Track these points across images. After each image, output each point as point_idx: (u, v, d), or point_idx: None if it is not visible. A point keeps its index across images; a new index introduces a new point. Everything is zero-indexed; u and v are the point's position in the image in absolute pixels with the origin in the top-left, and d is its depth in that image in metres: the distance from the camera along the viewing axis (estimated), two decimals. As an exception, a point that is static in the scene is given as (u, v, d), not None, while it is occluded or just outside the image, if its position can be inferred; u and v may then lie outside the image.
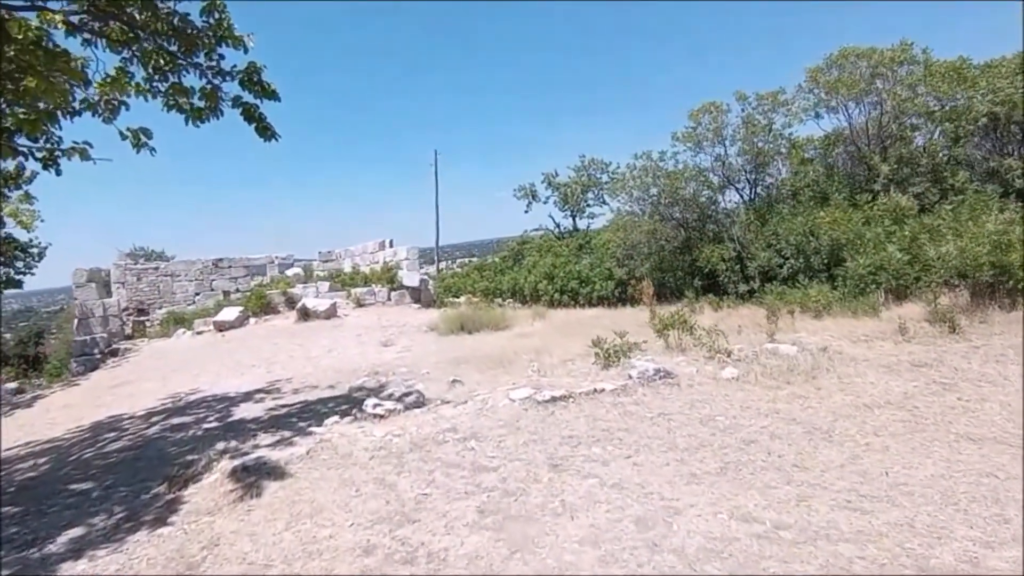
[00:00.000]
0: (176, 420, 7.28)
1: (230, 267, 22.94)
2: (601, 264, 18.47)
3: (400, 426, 4.70)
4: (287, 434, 4.74)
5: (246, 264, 23.28)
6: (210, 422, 6.88)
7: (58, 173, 5.96)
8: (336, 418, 5.10)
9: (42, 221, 13.28)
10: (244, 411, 7.19)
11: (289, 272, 21.41)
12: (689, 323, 6.92)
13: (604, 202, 22.96)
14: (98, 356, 15.19)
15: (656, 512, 3.03)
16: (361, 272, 21.97)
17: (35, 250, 15.39)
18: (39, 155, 5.81)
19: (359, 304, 18.49)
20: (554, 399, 4.98)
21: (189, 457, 5.05)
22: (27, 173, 14.72)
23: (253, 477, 3.74)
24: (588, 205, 23.26)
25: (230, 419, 6.84)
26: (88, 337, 15.52)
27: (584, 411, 4.80)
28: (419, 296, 19.34)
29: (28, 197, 13.89)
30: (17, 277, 15.19)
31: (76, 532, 3.56)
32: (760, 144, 13.32)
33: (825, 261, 11.32)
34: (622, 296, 18.14)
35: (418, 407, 5.31)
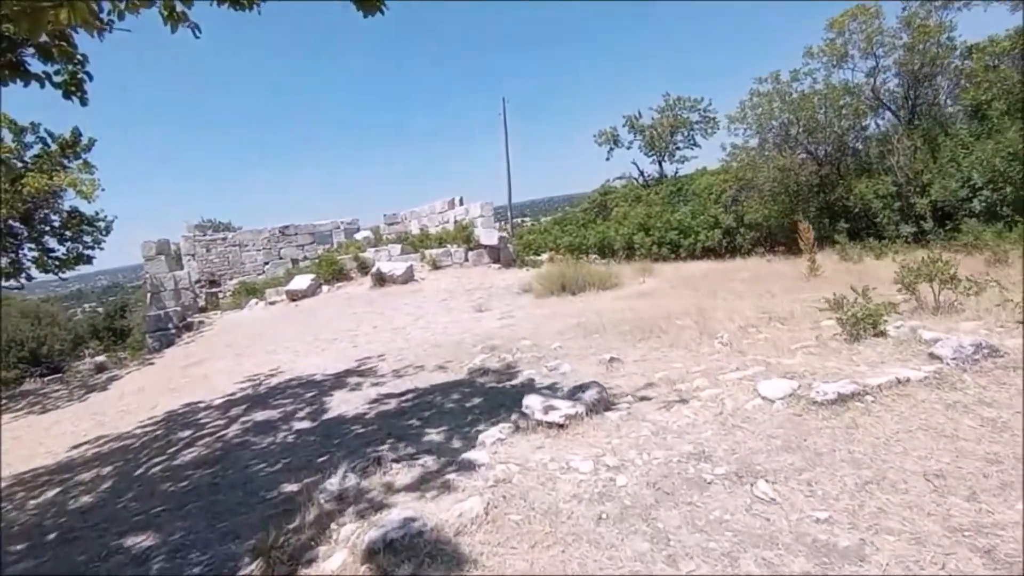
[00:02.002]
0: (259, 415, 5.87)
1: (296, 234, 21.98)
2: (704, 211, 16.18)
3: (606, 447, 2.96)
4: (429, 462, 3.08)
5: (311, 231, 22.27)
6: (300, 419, 5.41)
7: (84, 103, 4.44)
8: (491, 429, 3.40)
9: (103, 190, 12.22)
10: (340, 403, 5.68)
11: (358, 236, 20.15)
12: (949, 272, 4.83)
13: (695, 143, 20.35)
14: (173, 331, 14.38)
15: None
16: (430, 234, 20.46)
17: (102, 224, 14.49)
18: (58, 79, 4.29)
19: (435, 266, 17.02)
20: (842, 398, 3.10)
21: (286, 487, 3.52)
22: (85, 140, 13.80)
23: (408, 565, 2.08)
24: (677, 148, 20.70)
25: (325, 416, 5.34)
26: (162, 311, 14.73)
27: (908, 420, 2.90)
28: (498, 255, 17.68)
29: (88, 166, 12.86)
30: (86, 252, 14.37)
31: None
32: (931, 50, 10.55)
33: (1040, 189, 8.79)
34: (731, 246, 15.89)
35: (607, 408, 3.56)
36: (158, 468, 4.74)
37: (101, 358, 30.60)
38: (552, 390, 3.99)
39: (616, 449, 2.91)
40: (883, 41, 10.80)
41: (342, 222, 22.90)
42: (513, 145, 22.76)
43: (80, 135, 12.84)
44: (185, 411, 7.14)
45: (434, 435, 3.91)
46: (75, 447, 6.75)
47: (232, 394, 7.42)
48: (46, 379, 17.33)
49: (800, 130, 11.53)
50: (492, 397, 4.77)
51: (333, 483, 2.92)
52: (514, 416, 3.59)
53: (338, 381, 6.75)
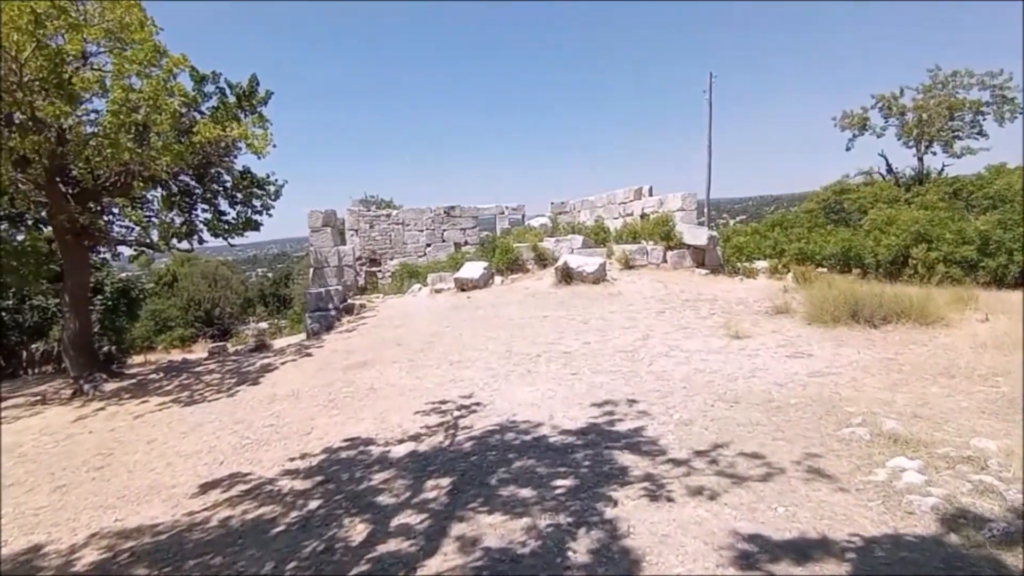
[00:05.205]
0: (484, 523, 3.17)
1: (460, 216, 20.11)
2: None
3: None
4: None
5: (474, 215, 20.32)
6: (585, 568, 2.63)
7: None
8: None
9: (274, 146, 10.60)
10: (646, 533, 2.79)
11: (534, 223, 17.69)
12: None
13: (981, 132, 15.10)
14: (332, 312, 12.75)
15: None
16: (606, 227, 17.43)
17: (271, 187, 13.18)
18: None
19: (627, 265, 13.97)
20: None
21: None
22: (262, 92, 12.55)
23: None
24: (956, 136, 15.54)
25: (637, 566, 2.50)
26: (323, 290, 13.22)
27: None
28: (703, 258, 14.25)
29: (262, 119, 11.43)
30: (255, 218, 13.13)
31: None
32: None
33: None
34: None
35: None
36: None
37: (264, 324, 31.00)
38: None
39: None
40: None
41: (507, 207, 20.76)
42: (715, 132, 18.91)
43: (257, 84, 11.43)
44: (348, 456, 4.77)
45: None
46: (203, 488, 4.63)
47: (417, 437, 4.94)
48: (211, 344, 16.87)
49: None
50: None
51: None
52: None
53: (596, 456, 3.91)
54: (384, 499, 3.75)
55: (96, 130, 9.16)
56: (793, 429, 4.02)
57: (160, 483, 4.99)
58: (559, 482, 3.55)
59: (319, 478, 4.40)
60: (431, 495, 3.67)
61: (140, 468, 5.52)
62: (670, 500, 3.13)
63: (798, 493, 3.04)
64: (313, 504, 3.90)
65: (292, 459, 5.00)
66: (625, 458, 3.82)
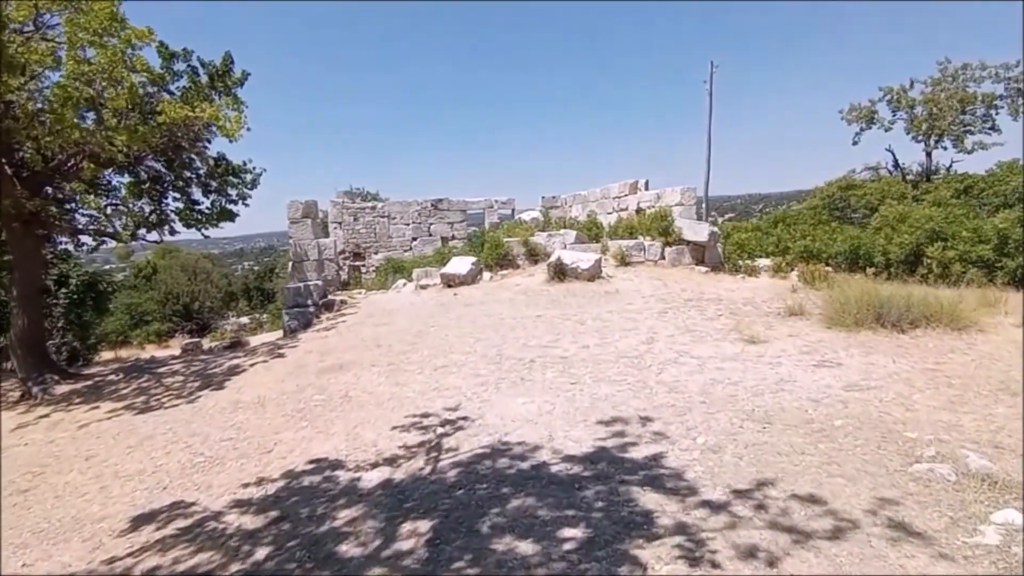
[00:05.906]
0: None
1: (448, 210, 19.36)
2: (1042, 219, 10.86)
3: None
4: None
5: (462, 208, 19.58)
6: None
7: None
8: None
9: (248, 129, 9.74)
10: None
11: (526, 217, 16.94)
12: None
13: (994, 127, 14.50)
14: (311, 308, 11.92)
15: None
16: (599, 221, 16.73)
17: (249, 176, 12.31)
18: None
19: (623, 262, 13.24)
20: None
21: None
22: (237, 73, 11.64)
23: None
24: (967, 131, 14.93)
25: None
26: (302, 284, 12.40)
27: None
28: (703, 255, 13.58)
29: (237, 101, 10.54)
30: (229, 208, 12.25)
31: None
32: None
33: None
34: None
35: None
36: None
37: (244, 320, 29.74)
38: None
39: None
40: None
41: (496, 201, 20.04)
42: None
43: (232, 63, 10.54)
44: (312, 483, 4.01)
45: None
46: (134, 523, 3.85)
47: (393, 460, 4.19)
48: (185, 341, 15.98)
49: None
50: None
51: None
52: None
53: (611, 493, 3.19)
54: (348, 549, 2.99)
55: (43, 105, 8.28)
56: (849, 461, 3.31)
57: (86, 514, 4.20)
58: (567, 532, 2.81)
59: (274, 513, 3.64)
60: (407, 545, 2.92)
61: (70, 492, 4.72)
62: (715, 566, 2.40)
63: (887, 560, 2.32)
64: (261, 553, 3.14)
65: (246, 484, 4.23)
66: (647, 498, 3.09)
